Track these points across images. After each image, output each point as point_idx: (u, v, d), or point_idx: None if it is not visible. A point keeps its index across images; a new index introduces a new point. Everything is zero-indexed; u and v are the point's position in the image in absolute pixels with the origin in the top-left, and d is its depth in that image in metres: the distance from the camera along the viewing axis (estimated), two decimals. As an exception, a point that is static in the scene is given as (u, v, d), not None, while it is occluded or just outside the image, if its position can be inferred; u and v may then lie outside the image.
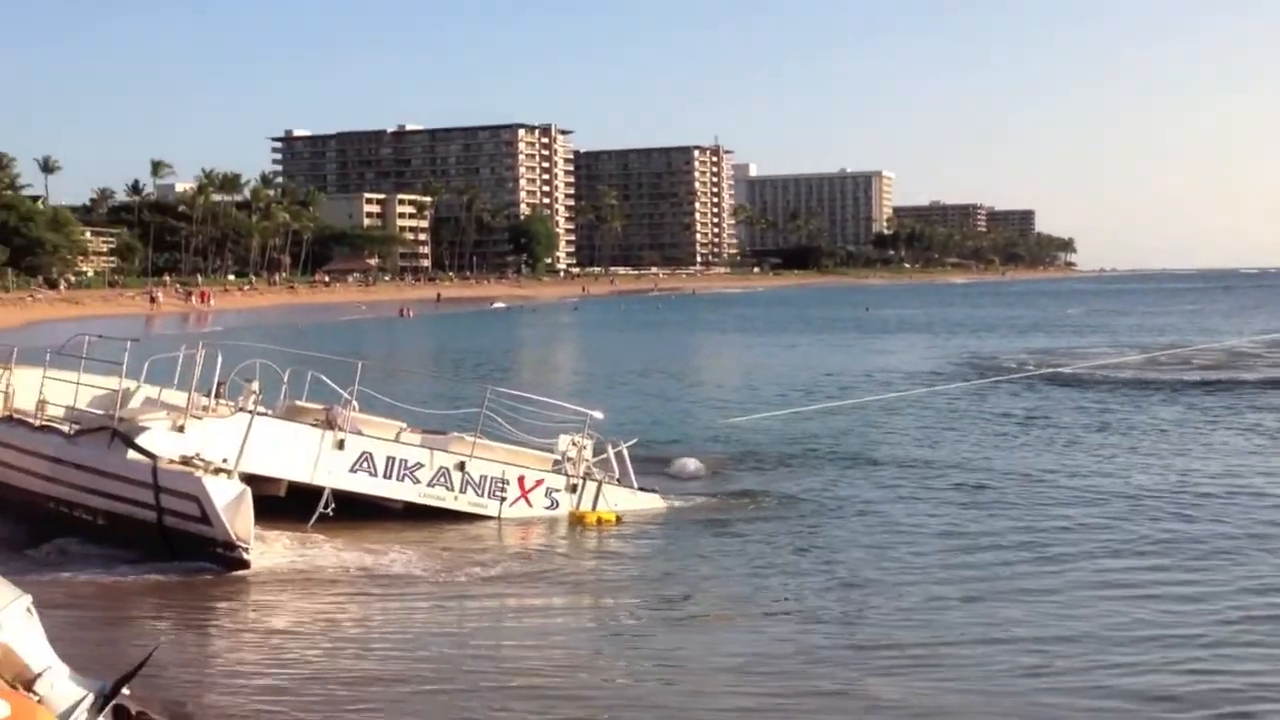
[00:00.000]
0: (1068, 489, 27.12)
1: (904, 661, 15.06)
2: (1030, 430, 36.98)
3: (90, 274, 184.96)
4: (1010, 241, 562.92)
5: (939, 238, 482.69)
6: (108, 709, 7.47)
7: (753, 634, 16.62)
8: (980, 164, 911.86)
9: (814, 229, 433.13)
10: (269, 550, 20.84)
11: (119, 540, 20.67)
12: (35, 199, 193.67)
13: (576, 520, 24.42)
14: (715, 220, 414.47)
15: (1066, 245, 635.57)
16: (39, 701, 7.16)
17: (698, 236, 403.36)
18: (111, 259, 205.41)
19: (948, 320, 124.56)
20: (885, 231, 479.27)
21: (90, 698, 7.45)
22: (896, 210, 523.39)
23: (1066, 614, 17.11)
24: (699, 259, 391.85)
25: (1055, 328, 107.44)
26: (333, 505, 22.27)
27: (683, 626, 17.32)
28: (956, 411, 41.91)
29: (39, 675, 7.40)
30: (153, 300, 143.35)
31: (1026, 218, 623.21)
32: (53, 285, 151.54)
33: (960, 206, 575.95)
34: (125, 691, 7.37)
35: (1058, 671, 14.58)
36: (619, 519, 24.49)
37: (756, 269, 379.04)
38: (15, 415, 23.68)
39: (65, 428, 22.35)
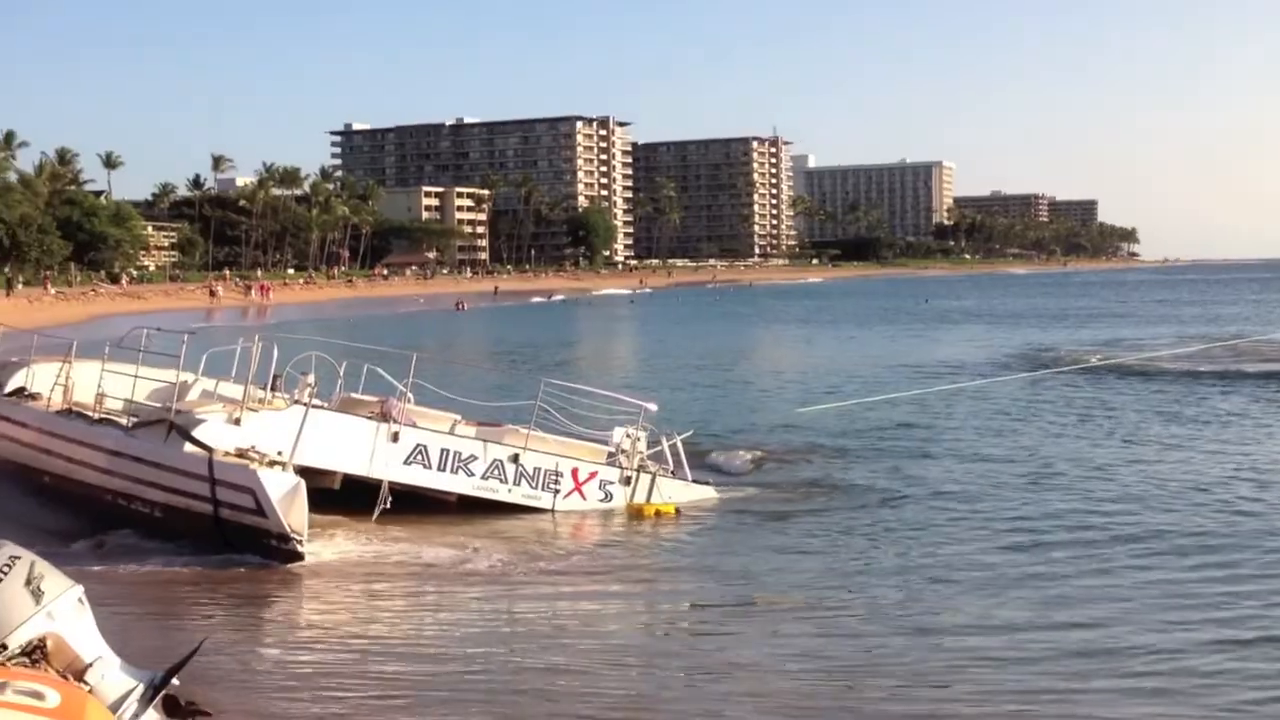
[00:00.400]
0: (1131, 481, 26.79)
1: (968, 655, 14.89)
2: (1091, 421, 36.69)
3: (152, 268, 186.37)
4: (1072, 232, 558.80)
5: (1000, 228, 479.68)
6: (158, 699, 7.50)
7: (815, 626, 16.47)
8: (1042, 154, 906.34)
9: (873, 220, 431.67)
10: (324, 543, 20.94)
11: (175, 533, 20.83)
12: (98, 194, 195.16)
13: (635, 512, 24.39)
14: (773, 212, 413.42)
15: (1129, 235, 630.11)
16: (89, 691, 7.20)
17: (756, 228, 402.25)
18: (173, 253, 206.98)
19: (1008, 311, 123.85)
20: (946, 222, 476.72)
21: (140, 688, 7.49)
22: (957, 201, 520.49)
23: (1132, 606, 16.88)
24: (757, 251, 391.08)
25: (1117, 318, 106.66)
26: (389, 499, 22.40)
27: (743, 619, 17.17)
28: (1017, 403, 41.65)
29: (90, 665, 7.46)
30: (212, 294, 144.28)
31: (1088, 208, 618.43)
32: (115, 280, 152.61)
33: (1021, 197, 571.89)
34: (175, 682, 7.41)
35: (1125, 662, 14.41)
36: (678, 511, 24.44)
37: (815, 261, 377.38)
38: (74, 408, 23.93)
39: (123, 420, 22.57)
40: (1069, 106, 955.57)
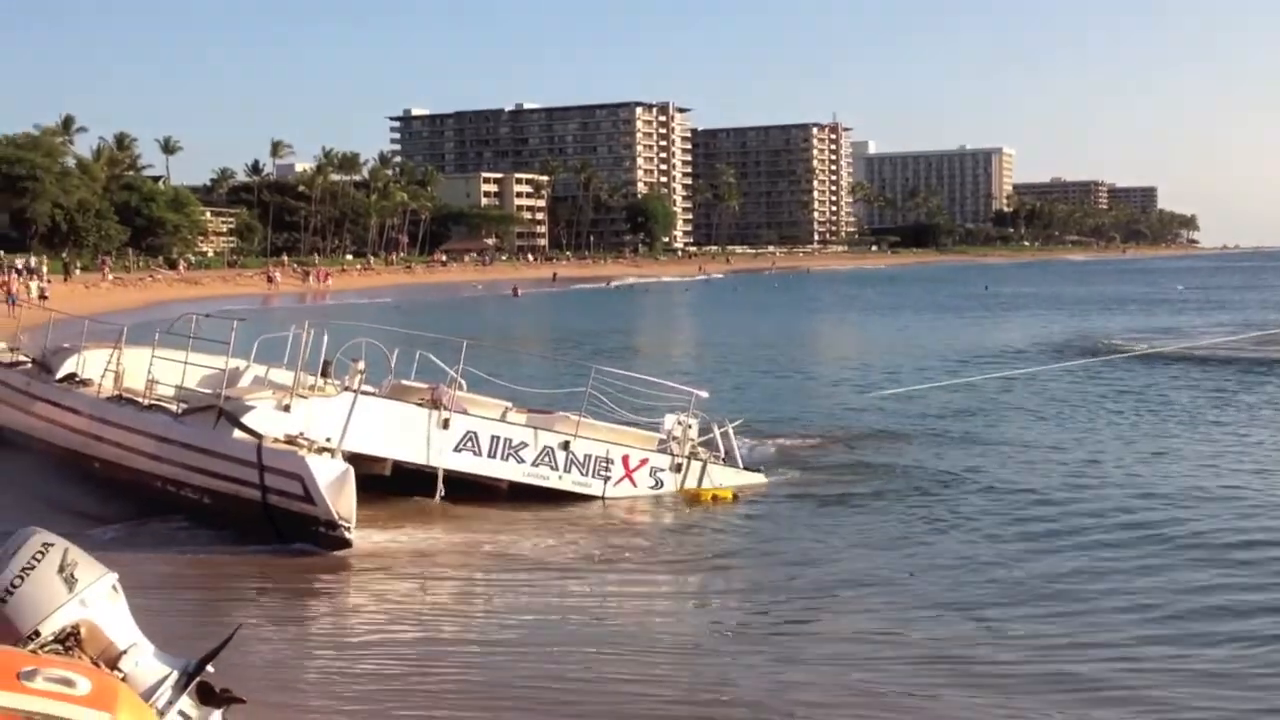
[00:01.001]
0: (1182, 470, 26.48)
1: (1030, 643, 14.76)
2: (1145, 409, 36.39)
3: (210, 254, 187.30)
4: (1132, 219, 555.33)
5: (1059, 215, 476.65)
6: (191, 686, 7.48)
7: (874, 612, 16.39)
8: (1102, 141, 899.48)
9: (933, 207, 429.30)
10: (372, 530, 20.89)
11: (223, 519, 20.86)
12: (156, 179, 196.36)
13: (691, 498, 24.34)
14: (833, 198, 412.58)
15: (1189, 222, 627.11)
16: (123, 679, 7.17)
17: (815, 215, 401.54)
18: (231, 239, 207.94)
19: (1070, 297, 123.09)
20: (1005, 209, 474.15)
21: (174, 675, 7.46)
22: (1017, 187, 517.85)
23: (1193, 596, 16.68)
24: (816, 237, 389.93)
25: (1176, 305, 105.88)
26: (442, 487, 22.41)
27: (801, 605, 17.11)
28: (1073, 389, 41.36)
29: (123, 653, 7.43)
30: (270, 280, 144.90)
31: (1148, 195, 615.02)
32: (173, 265, 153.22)
33: (1081, 184, 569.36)
34: (209, 669, 7.39)
35: (1191, 656, 14.21)
36: (735, 497, 24.39)
37: (874, 247, 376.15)
38: (125, 395, 24.08)
39: (173, 407, 22.66)
40: (1129, 93, 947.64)
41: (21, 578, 7.20)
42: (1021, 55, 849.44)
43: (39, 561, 7.26)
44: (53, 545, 7.36)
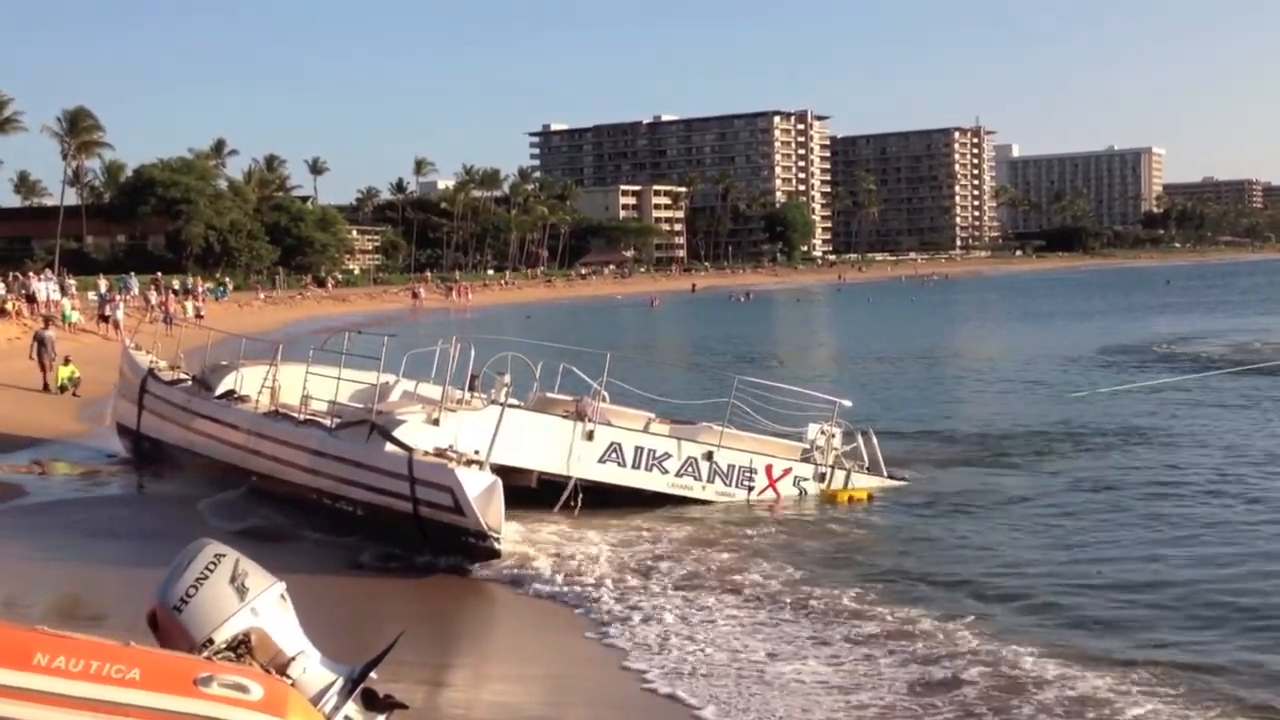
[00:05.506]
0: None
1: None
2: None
3: (356, 271, 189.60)
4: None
5: (1212, 215, 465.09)
6: (356, 692, 7.80)
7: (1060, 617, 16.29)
8: (1256, 138, 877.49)
9: (1079, 210, 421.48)
10: (522, 543, 21.08)
11: (376, 531, 21.32)
12: (304, 199, 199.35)
13: (829, 499, 24.47)
14: (975, 203, 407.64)
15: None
16: (292, 684, 7.51)
17: (958, 220, 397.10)
18: (376, 256, 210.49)
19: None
20: (1155, 210, 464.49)
21: (340, 681, 7.79)
22: (1167, 188, 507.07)
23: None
24: (959, 243, 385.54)
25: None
26: (579, 497, 22.63)
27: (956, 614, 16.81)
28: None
29: (292, 659, 7.75)
30: (415, 296, 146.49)
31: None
32: (321, 283, 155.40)
33: (1234, 182, 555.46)
34: (373, 675, 7.71)
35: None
36: (870, 497, 24.52)
37: (1019, 252, 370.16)
38: (281, 410, 24.72)
39: (327, 421, 23.22)
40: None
41: (196, 587, 7.56)
42: (1170, 54, 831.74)
43: (212, 572, 7.62)
44: (225, 556, 7.71)
